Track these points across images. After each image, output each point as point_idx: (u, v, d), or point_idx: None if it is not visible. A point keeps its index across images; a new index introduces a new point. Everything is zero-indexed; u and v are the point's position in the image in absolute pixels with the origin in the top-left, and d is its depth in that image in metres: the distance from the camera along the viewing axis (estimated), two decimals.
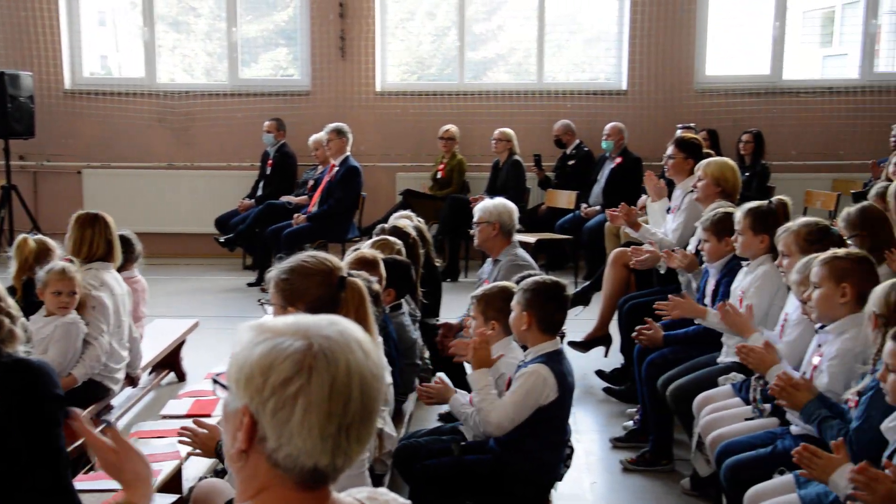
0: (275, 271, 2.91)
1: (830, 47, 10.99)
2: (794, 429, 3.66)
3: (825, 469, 2.90)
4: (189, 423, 3.23)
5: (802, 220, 4.34)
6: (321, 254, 2.89)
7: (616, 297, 6.26)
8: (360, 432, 1.53)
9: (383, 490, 1.71)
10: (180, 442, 3.21)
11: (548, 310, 3.82)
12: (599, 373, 6.23)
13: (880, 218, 4.78)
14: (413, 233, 5.56)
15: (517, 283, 4.22)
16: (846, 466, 2.89)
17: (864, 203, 5.08)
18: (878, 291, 3.26)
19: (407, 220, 5.95)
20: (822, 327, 3.74)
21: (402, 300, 4.79)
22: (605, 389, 6.11)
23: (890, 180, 6.89)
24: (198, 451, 3.16)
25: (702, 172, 5.77)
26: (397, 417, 4.39)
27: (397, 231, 5.44)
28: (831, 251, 3.70)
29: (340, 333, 1.53)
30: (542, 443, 3.78)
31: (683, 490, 4.69)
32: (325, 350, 1.50)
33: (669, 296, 4.82)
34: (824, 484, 2.97)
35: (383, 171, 10.42)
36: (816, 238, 4.15)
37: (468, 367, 3.97)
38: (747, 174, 9.36)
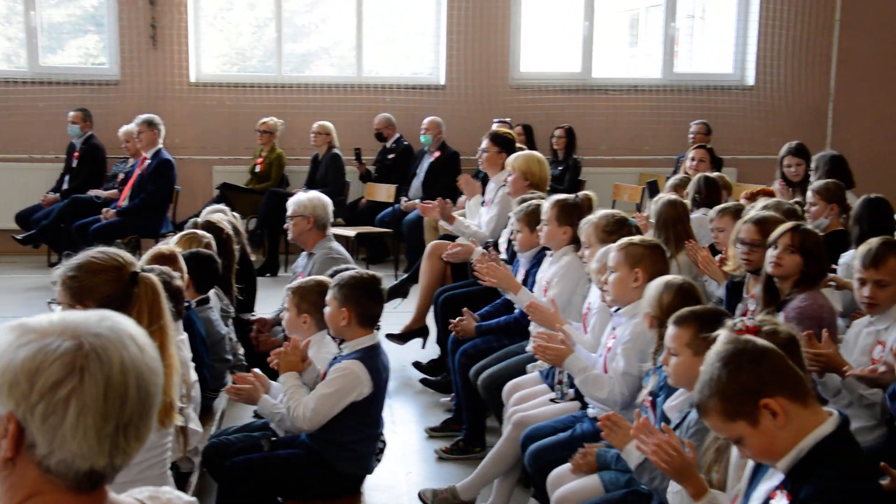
0: (62, 268, 2.78)
1: (636, 47, 11.52)
2: (591, 411, 3.83)
3: (623, 438, 3.03)
4: None
5: (601, 212, 4.55)
6: (111, 249, 2.78)
7: (433, 289, 6.35)
8: (139, 429, 1.48)
9: (166, 489, 1.67)
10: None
11: (366, 304, 3.84)
12: (416, 364, 6.30)
13: (682, 212, 5.14)
14: (227, 227, 5.44)
15: (331, 276, 4.22)
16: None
17: (672, 196, 5.43)
18: (651, 292, 3.45)
19: (221, 213, 5.82)
20: (617, 311, 3.93)
21: (210, 294, 4.69)
22: (422, 381, 6.18)
23: (687, 174, 7.34)
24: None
25: (510, 167, 5.95)
26: (207, 414, 4.30)
27: (209, 225, 5.31)
28: (628, 238, 3.90)
29: (112, 329, 1.47)
30: (355, 436, 3.79)
31: None
32: (97, 348, 1.43)
33: (489, 263, 4.91)
34: (619, 451, 3.11)
35: (199, 165, 10.12)
36: (614, 229, 4.37)
37: None
38: (560, 168, 9.71)
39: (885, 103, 10.62)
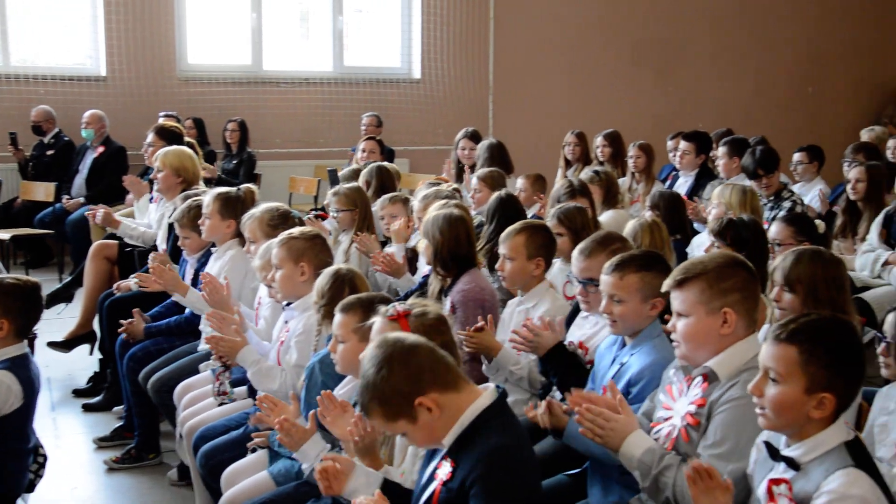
0: None
1: (308, 40, 11.54)
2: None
3: (299, 441, 3.05)
4: None
5: (264, 205, 4.53)
6: None
7: (98, 292, 6.00)
8: None
9: None
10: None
11: (26, 314, 3.60)
12: (76, 392, 5.89)
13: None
14: None
15: None
16: (316, 437, 3.08)
17: (354, 184, 5.58)
18: (316, 284, 3.52)
19: None
20: (288, 304, 3.93)
21: None
22: (84, 406, 5.67)
23: (358, 166, 7.52)
24: None
25: (160, 163, 5.77)
26: None
27: None
28: (287, 232, 3.90)
29: None
30: (3, 452, 3.49)
31: (171, 482, 4.67)
32: None
33: (152, 267, 4.71)
34: (294, 451, 3.10)
35: None
36: (278, 223, 4.38)
37: None
38: (234, 162, 9.56)
39: (538, 94, 11.46)
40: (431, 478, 2.42)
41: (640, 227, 4.34)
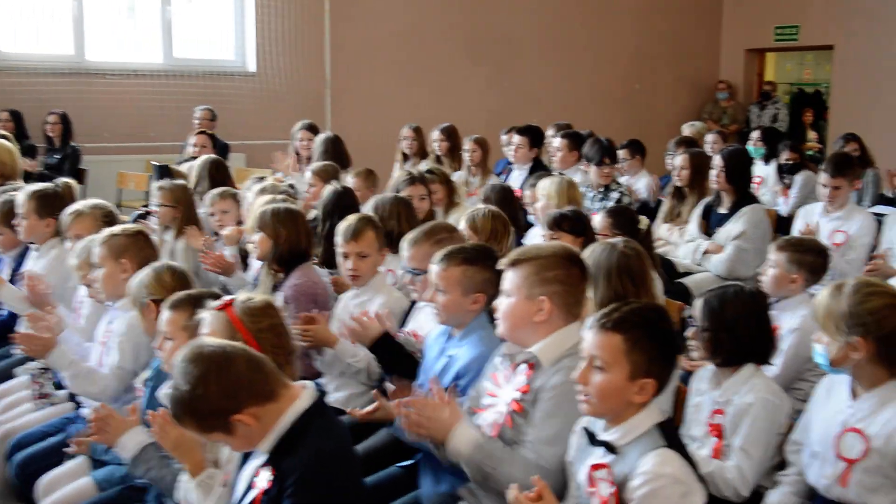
0: None
1: (136, 31, 11.11)
2: (84, 412, 3.65)
3: (115, 433, 2.93)
4: None
5: (90, 202, 4.35)
6: None
7: None
8: None
9: None
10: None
11: None
12: None
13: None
14: None
15: None
16: (137, 429, 2.97)
17: (180, 181, 5.42)
18: (143, 279, 3.39)
19: None
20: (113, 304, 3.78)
21: None
22: None
23: (194, 157, 7.33)
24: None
25: None
26: None
27: None
28: (108, 230, 3.75)
29: None
30: None
31: None
32: None
33: None
34: (111, 445, 2.99)
35: None
36: (112, 220, 4.22)
37: None
38: (58, 157, 9.11)
39: (376, 88, 11.44)
40: (250, 486, 2.36)
41: (480, 215, 4.37)
